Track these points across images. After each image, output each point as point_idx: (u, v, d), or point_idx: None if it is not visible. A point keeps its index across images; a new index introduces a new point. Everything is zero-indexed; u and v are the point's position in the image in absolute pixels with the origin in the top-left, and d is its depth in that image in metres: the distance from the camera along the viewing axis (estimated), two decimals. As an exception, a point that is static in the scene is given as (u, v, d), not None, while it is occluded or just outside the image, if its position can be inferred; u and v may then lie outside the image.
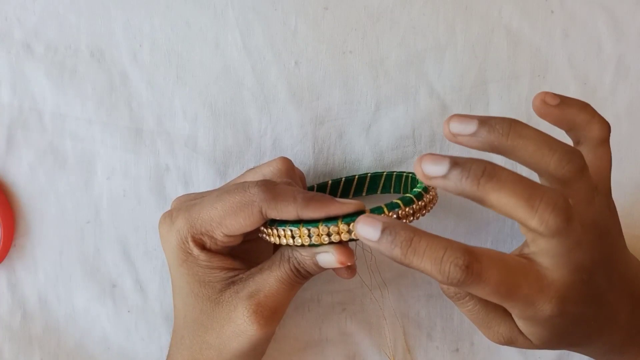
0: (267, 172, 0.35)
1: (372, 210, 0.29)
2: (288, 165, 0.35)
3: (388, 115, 0.41)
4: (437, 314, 0.42)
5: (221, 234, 0.32)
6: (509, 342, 0.32)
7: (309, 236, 0.30)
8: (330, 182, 0.39)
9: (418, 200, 0.30)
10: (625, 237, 0.33)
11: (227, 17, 0.40)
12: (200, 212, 0.32)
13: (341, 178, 0.39)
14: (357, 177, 0.39)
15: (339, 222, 0.29)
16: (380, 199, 0.37)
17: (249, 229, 0.31)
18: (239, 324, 0.31)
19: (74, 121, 0.40)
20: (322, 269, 0.31)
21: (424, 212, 0.31)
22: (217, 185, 0.40)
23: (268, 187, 0.31)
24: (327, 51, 0.40)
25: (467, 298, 0.32)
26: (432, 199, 0.32)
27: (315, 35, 0.40)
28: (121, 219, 0.40)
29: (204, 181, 0.40)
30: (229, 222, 0.31)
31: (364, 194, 0.39)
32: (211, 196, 0.32)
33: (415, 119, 0.41)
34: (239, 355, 0.32)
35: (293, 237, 0.30)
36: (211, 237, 0.32)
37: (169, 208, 0.39)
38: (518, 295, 0.27)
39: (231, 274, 0.33)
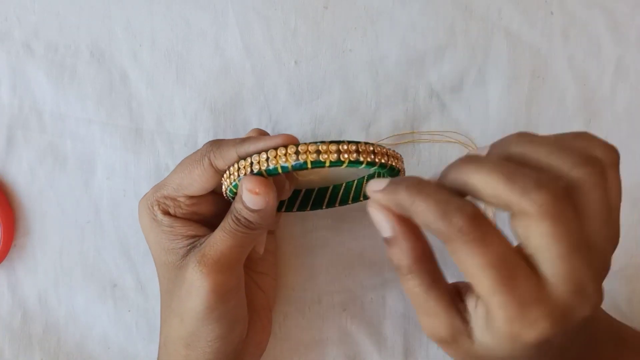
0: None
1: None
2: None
3: (387, 115, 0.41)
4: (437, 314, 0.41)
5: (183, 196, 0.33)
6: (445, 340, 0.27)
7: (238, 170, 0.31)
8: (303, 191, 0.38)
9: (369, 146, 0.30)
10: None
11: (227, 17, 0.40)
12: (164, 180, 0.34)
13: (314, 188, 0.38)
14: (331, 187, 0.38)
15: (259, 154, 0.30)
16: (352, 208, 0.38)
17: (206, 184, 0.33)
18: (188, 279, 0.32)
19: (74, 121, 0.40)
20: (255, 212, 0.31)
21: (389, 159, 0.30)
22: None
23: (214, 140, 0.33)
24: (327, 50, 0.40)
25: (413, 275, 0.26)
26: (388, 151, 0.31)
27: (315, 34, 0.40)
28: (121, 219, 0.40)
29: (204, 181, 0.40)
30: (187, 182, 0.33)
31: (336, 204, 0.38)
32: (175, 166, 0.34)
33: (415, 119, 0.41)
34: (196, 317, 0.32)
35: (230, 175, 0.31)
36: (174, 200, 0.34)
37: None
38: (513, 288, 0.23)
39: (192, 240, 0.33)
